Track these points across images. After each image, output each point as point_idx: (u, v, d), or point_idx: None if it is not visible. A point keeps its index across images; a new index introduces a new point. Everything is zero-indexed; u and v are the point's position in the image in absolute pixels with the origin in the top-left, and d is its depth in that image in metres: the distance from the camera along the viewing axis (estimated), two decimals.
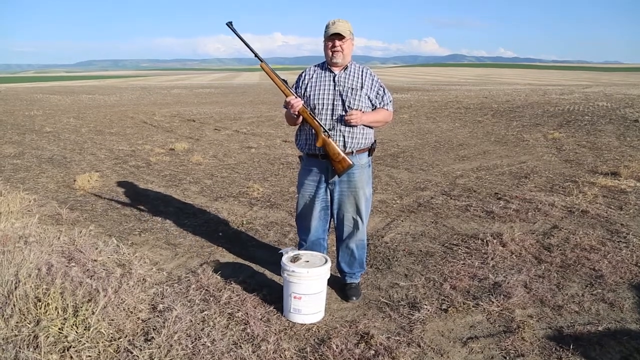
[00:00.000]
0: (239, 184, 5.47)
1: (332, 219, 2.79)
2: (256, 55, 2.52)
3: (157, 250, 3.50)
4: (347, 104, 2.53)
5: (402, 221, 4.14)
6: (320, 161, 2.62)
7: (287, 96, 2.52)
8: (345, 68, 2.58)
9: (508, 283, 2.89)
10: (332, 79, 2.56)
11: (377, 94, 2.60)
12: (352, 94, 2.53)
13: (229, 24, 2.45)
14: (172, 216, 4.27)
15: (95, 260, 3.01)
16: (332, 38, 2.48)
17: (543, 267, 3.15)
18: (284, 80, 2.54)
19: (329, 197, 2.69)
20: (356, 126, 2.55)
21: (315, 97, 2.55)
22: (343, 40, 2.49)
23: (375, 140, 2.72)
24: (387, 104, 2.63)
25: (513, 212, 4.30)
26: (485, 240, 3.57)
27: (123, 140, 8.45)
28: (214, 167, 6.36)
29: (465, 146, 7.91)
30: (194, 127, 10.35)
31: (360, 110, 2.52)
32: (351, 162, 2.55)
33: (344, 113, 2.52)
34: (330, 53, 2.52)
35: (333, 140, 2.52)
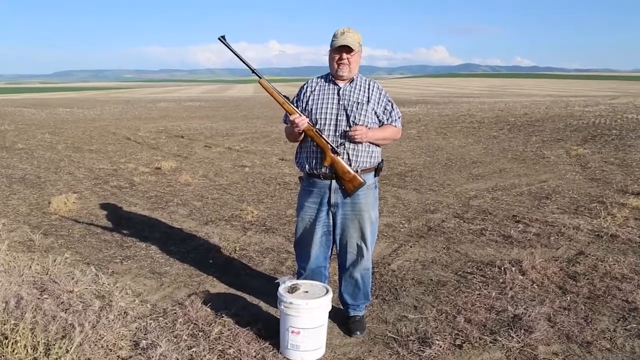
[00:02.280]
0: (231, 206, 5.49)
1: (334, 245, 2.80)
2: (254, 71, 2.59)
3: (141, 279, 3.50)
4: (351, 119, 2.58)
5: (411, 247, 4.15)
6: (322, 181, 2.65)
7: (290, 114, 2.57)
8: (351, 81, 2.64)
9: (529, 316, 2.88)
10: (336, 92, 2.62)
11: (385, 109, 2.65)
12: (357, 109, 2.58)
13: (222, 38, 2.51)
14: (158, 242, 4.28)
15: (70, 292, 3.00)
16: (340, 50, 2.54)
17: (568, 298, 3.14)
18: (285, 97, 2.60)
19: (331, 221, 2.71)
20: (361, 143, 2.59)
21: (318, 111, 2.61)
22: (351, 53, 2.55)
23: (382, 160, 2.76)
24: (396, 120, 2.68)
25: (533, 236, 4.31)
26: (503, 268, 3.57)
27: (104, 159, 8.52)
28: (204, 187, 6.40)
29: (479, 164, 7.96)
30: (183, 144, 10.44)
31: (366, 126, 2.57)
32: (362, 180, 2.59)
33: (348, 129, 2.57)
34: (336, 66, 2.58)
35: (341, 158, 2.57)
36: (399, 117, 2.70)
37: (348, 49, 2.53)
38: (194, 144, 10.43)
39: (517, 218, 4.89)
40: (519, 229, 4.52)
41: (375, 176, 2.73)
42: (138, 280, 3.49)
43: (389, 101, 2.67)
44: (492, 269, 3.62)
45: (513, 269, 3.54)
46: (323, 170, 2.62)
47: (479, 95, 35.18)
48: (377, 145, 2.70)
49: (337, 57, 2.56)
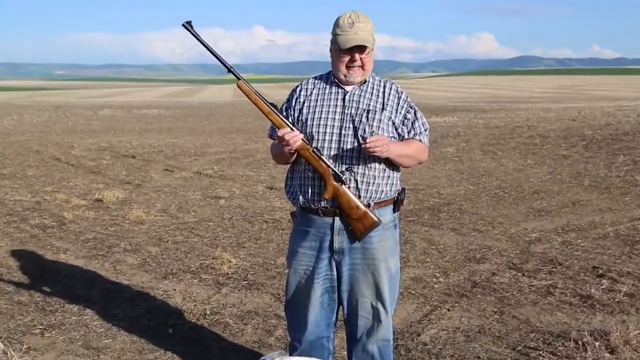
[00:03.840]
0: (200, 252, 5.50)
1: (340, 308, 2.81)
2: (230, 70, 2.64)
3: (70, 357, 3.48)
4: (360, 132, 2.61)
5: (449, 310, 4.13)
6: (322, 219, 2.68)
7: (278, 127, 2.61)
8: (362, 83, 2.70)
9: None
10: (341, 97, 2.67)
11: (406, 118, 2.70)
12: (367, 119, 2.63)
13: (187, 25, 2.58)
14: (96, 304, 4.27)
15: None
16: (351, 51, 2.59)
17: None
18: (272, 104, 2.65)
19: (335, 273, 2.73)
20: (375, 165, 2.63)
21: (315, 123, 2.65)
22: (366, 51, 2.62)
23: (403, 188, 2.80)
24: (421, 133, 2.72)
25: (625, 297, 4.30)
26: (581, 343, 3.55)
27: (22, 187, 8.58)
28: (163, 227, 6.43)
29: (543, 194, 7.97)
30: (134, 167, 10.50)
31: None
32: (376, 219, 2.61)
33: (355, 146, 2.61)
34: (346, 70, 2.64)
35: (347, 187, 2.60)
36: (425, 130, 2.74)
37: (361, 48, 2.60)
38: (149, 167, 10.49)
39: (600, 271, 4.87)
40: (603, 287, 4.50)
41: (394, 211, 2.76)
42: (66, 358, 3.47)
43: (411, 108, 2.72)
44: (565, 343, 3.59)
45: (596, 343, 3.52)
46: (323, 203, 2.65)
47: (542, 99, 35.48)
48: (396, 170, 2.74)
49: (346, 59, 2.62)
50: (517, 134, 14.26)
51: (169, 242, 5.86)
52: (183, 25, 2.58)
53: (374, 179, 2.64)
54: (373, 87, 2.69)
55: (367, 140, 2.49)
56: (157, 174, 9.76)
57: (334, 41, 2.61)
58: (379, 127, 2.61)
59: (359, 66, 2.62)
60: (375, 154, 2.52)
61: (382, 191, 2.67)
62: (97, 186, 8.56)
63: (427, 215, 6.86)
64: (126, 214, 6.87)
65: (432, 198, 7.82)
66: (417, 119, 2.71)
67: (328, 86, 2.71)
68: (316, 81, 2.77)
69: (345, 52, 2.59)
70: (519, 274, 4.84)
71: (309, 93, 2.73)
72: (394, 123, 2.66)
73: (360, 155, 2.60)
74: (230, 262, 5.13)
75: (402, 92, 2.72)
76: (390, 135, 2.65)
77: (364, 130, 2.60)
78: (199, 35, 2.58)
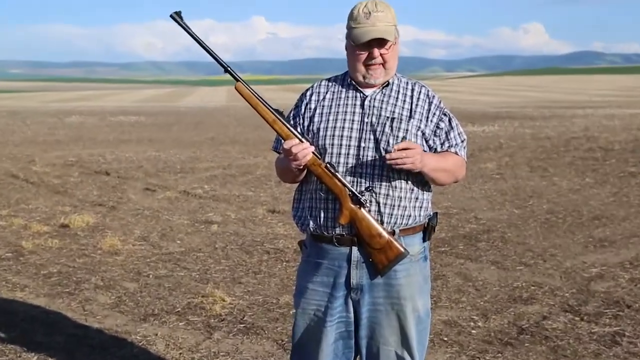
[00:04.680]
0: (187, 289, 5.50)
1: (357, 358, 2.80)
2: (227, 69, 2.67)
3: None
4: (382, 145, 2.63)
5: None
6: (337, 249, 2.69)
7: (284, 138, 2.64)
8: (385, 85, 2.72)
9: None
10: (359, 102, 2.70)
11: (438, 127, 2.72)
12: (392, 129, 2.64)
13: (176, 16, 2.63)
14: (60, 352, 4.27)
15: None
16: (369, 45, 2.62)
17: None
18: (277, 110, 2.67)
19: (352, 315, 2.73)
20: (398, 184, 2.64)
21: (328, 133, 2.68)
22: (387, 45, 2.64)
23: (435, 213, 2.81)
24: (457, 145, 2.73)
25: None
26: None
27: None
28: (143, 258, 6.45)
29: (605, 220, 7.95)
30: (108, 186, 10.56)
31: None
32: (402, 249, 2.62)
33: (377, 160, 2.62)
34: (364, 69, 2.66)
35: (367, 210, 2.61)
36: (462, 141, 2.74)
37: (382, 41, 2.62)
38: (126, 186, 10.54)
39: None
40: None
41: (424, 240, 2.77)
42: None
43: (445, 115, 2.73)
44: None
45: None
46: (338, 230, 2.66)
47: (604, 104, 35.39)
48: (427, 188, 2.75)
49: (363, 55, 2.64)
50: (573, 147, 14.24)
51: (150, 276, 5.87)
52: (171, 16, 2.62)
53: (400, 200, 2.65)
54: (398, 91, 2.71)
55: (395, 148, 2.49)
56: (136, 194, 9.81)
57: (349, 36, 2.65)
58: (405, 138, 2.62)
59: (379, 64, 2.64)
60: (405, 167, 2.50)
61: (410, 216, 2.69)
62: (63, 209, 8.61)
63: (462, 245, 6.85)
64: (98, 243, 6.89)
65: (468, 224, 7.81)
66: (452, 128, 2.72)
67: (344, 89, 2.74)
68: (330, 83, 2.80)
69: (362, 47, 2.62)
70: (576, 318, 4.80)
71: (321, 98, 2.76)
72: (424, 134, 2.67)
73: (383, 172, 2.62)
74: (223, 301, 5.13)
75: (433, 96, 2.74)
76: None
77: (387, 142, 2.62)
78: (189, 29, 2.62)
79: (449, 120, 2.72)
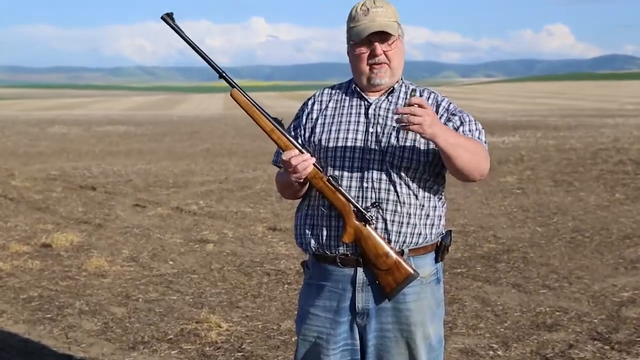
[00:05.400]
0: (180, 315, 5.50)
1: None
2: (222, 75, 2.68)
3: None
4: (388, 158, 2.64)
5: None
6: (341, 270, 2.69)
7: (283, 149, 2.64)
8: (390, 91, 2.73)
9: None
10: (363, 111, 2.71)
11: (453, 127, 2.67)
12: (399, 139, 2.65)
13: (168, 18, 2.64)
14: None
15: None
16: (370, 41, 2.63)
17: None
18: (275, 119, 2.68)
19: (357, 342, 2.72)
20: (408, 199, 2.64)
21: (331, 144, 2.69)
22: (389, 41, 2.65)
23: (448, 231, 2.80)
24: (471, 132, 2.67)
25: None
26: None
27: None
28: (132, 281, 6.45)
29: (637, 240, 7.95)
30: (93, 202, 10.59)
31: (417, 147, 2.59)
32: (412, 271, 2.62)
33: (383, 173, 2.63)
34: (367, 69, 2.67)
35: (373, 228, 2.61)
36: (478, 130, 2.69)
37: (383, 36, 2.63)
38: (114, 202, 10.57)
39: None
40: None
41: (437, 261, 2.76)
42: None
43: (454, 115, 2.68)
44: None
45: None
46: (341, 249, 2.67)
47: (636, 113, 35.37)
48: (440, 203, 2.75)
49: (365, 53, 2.66)
50: (601, 159, 14.23)
51: (140, 300, 5.87)
52: (162, 17, 2.64)
53: (409, 217, 2.65)
54: (405, 98, 2.71)
55: (407, 102, 2.39)
56: (125, 211, 9.83)
57: (349, 37, 2.68)
58: (412, 149, 2.63)
59: (384, 63, 2.64)
60: (412, 128, 2.38)
61: (420, 234, 2.68)
62: (45, 227, 8.63)
63: (480, 266, 6.84)
64: (83, 264, 6.90)
65: (486, 243, 7.81)
66: (464, 123, 2.67)
67: (347, 97, 2.76)
68: (333, 91, 2.82)
69: (363, 44, 2.64)
70: (605, 347, 4.78)
71: (323, 107, 2.78)
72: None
73: (390, 186, 2.62)
74: (219, 327, 5.12)
75: (442, 99, 2.74)
76: (430, 160, 2.65)
77: (393, 154, 2.63)
78: (182, 31, 2.64)
79: (460, 117, 2.68)
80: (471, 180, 2.67)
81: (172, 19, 2.63)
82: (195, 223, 9.02)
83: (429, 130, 2.38)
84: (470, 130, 2.66)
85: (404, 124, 2.36)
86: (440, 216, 2.76)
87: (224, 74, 2.68)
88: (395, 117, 2.40)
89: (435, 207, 2.73)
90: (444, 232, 2.78)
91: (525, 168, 13.62)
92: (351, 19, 2.66)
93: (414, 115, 2.34)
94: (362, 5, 2.64)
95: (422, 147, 2.64)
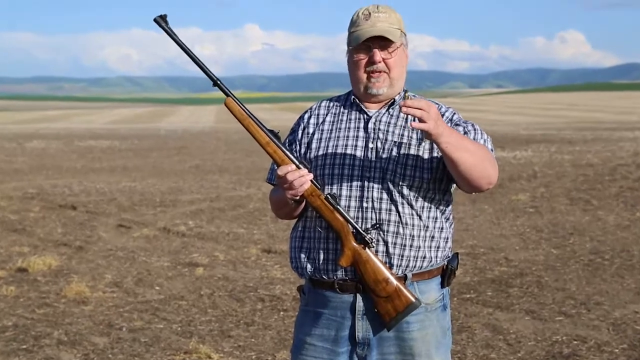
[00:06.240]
0: (167, 344, 5.49)
1: None
2: (216, 83, 2.69)
3: None
4: (389, 175, 2.63)
5: None
6: (339, 297, 2.69)
7: (278, 164, 2.63)
8: (391, 103, 2.74)
9: None
10: (363, 125, 2.72)
11: None
12: (400, 156, 2.65)
13: (160, 20, 2.64)
14: None
15: None
16: (368, 46, 2.64)
17: None
18: (271, 131, 2.68)
19: None
20: (411, 220, 2.63)
21: (328, 161, 2.69)
22: (390, 48, 2.66)
23: (455, 254, 2.81)
24: (481, 140, 2.66)
25: None
26: None
27: None
28: (115, 308, 6.44)
29: None
30: (74, 222, 10.59)
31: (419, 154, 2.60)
32: (413, 298, 2.61)
33: (384, 192, 2.63)
34: (365, 77, 2.68)
35: (373, 251, 2.60)
36: (482, 137, 2.67)
37: (383, 42, 2.64)
38: (96, 222, 10.56)
39: None
40: None
41: (443, 286, 2.76)
42: None
43: (458, 125, 2.67)
44: None
45: None
46: (339, 274, 2.66)
47: None
48: (446, 221, 2.74)
49: (363, 60, 2.67)
50: (620, 175, 14.25)
51: (123, 329, 5.85)
52: (155, 20, 2.64)
53: (412, 240, 2.65)
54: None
55: (404, 103, 2.35)
56: (108, 232, 9.83)
57: (349, 40, 2.70)
58: (414, 165, 2.63)
59: (383, 71, 2.65)
60: (417, 126, 2.34)
61: (424, 257, 2.67)
62: (21, 250, 8.63)
63: (490, 291, 6.83)
64: (62, 290, 6.89)
65: (497, 266, 7.80)
66: (468, 132, 2.65)
67: (346, 110, 2.76)
68: (331, 104, 2.83)
69: (362, 50, 2.65)
70: None
71: (320, 121, 2.79)
72: (440, 158, 2.60)
73: (392, 206, 2.62)
74: (210, 357, 5.11)
75: (446, 110, 2.73)
76: (434, 176, 2.65)
77: (395, 171, 2.63)
78: (176, 35, 2.65)
79: (464, 129, 2.66)
80: (479, 190, 2.63)
81: (166, 22, 2.63)
82: (184, 245, 9.01)
83: (434, 127, 2.35)
84: (475, 139, 2.64)
85: (410, 114, 2.33)
86: (447, 238, 2.75)
87: (219, 81, 2.67)
88: (404, 108, 2.34)
89: (442, 228, 2.72)
90: (450, 254, 2.77)
91: (539, 185, 13.64)
92: (352, 23, 2.69)
93: (422, 110, 2.32)
94: (364, 9, 2.67)
95: (425, 163, 2.64)
